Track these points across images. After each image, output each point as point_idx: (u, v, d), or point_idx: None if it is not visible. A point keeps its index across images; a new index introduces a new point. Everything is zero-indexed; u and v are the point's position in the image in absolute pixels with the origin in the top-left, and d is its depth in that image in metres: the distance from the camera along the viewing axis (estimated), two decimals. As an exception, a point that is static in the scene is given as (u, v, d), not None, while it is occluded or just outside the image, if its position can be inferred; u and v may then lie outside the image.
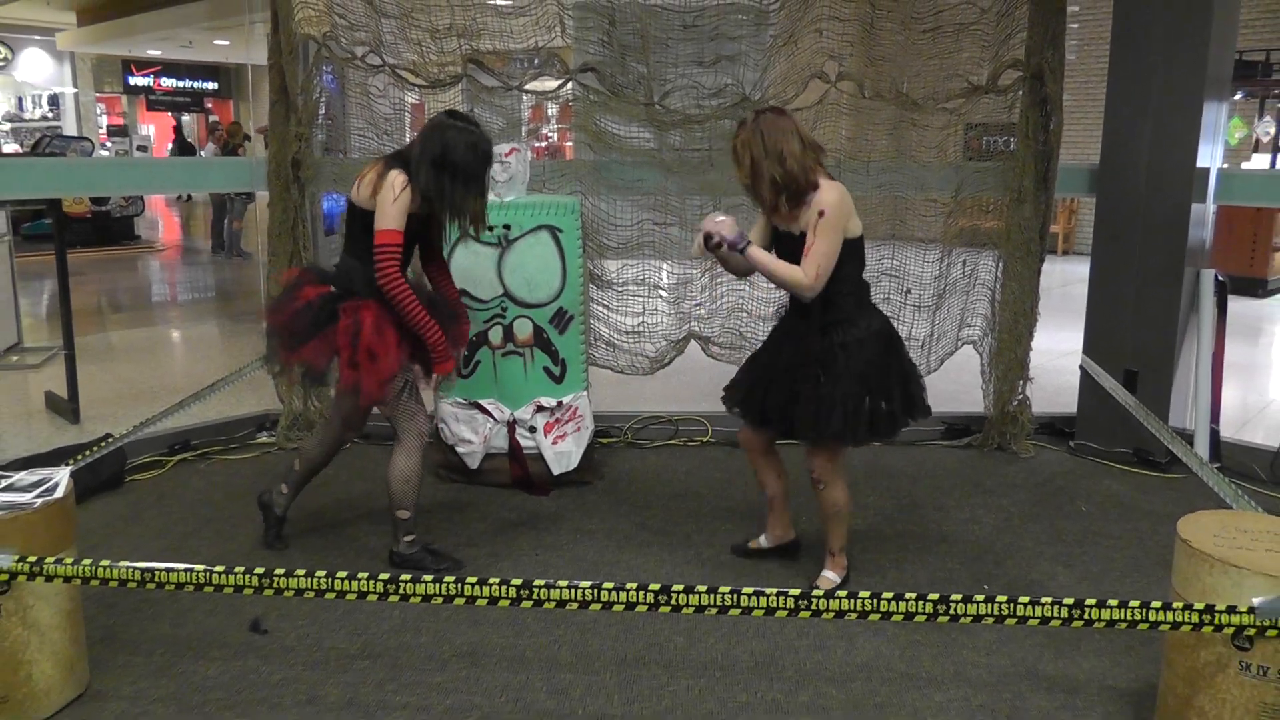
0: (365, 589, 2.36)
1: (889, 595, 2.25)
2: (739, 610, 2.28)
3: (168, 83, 26.85)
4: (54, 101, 23.68)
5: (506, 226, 4.21)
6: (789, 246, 3.18)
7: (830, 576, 3.41)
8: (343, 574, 2.38)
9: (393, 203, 3.17)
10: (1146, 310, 4.66)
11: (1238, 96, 11.36)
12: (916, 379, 3.31)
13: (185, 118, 27.77)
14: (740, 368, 3.51)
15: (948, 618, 2.25)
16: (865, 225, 3.25)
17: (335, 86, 4.81)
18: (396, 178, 3.19)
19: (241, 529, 3.87)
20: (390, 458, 3.43)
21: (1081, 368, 4.87)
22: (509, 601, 2.32)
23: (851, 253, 3.18)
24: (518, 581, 2.33)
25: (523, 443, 4.30)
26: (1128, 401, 4.32)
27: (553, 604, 2.31)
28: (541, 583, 2.32)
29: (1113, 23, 4.67)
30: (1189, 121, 4.46)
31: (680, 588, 2.29)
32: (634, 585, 2.29)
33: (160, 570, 2.42)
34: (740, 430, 3.54)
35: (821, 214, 3.05)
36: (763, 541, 3.65)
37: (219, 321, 8.84)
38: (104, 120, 25.43)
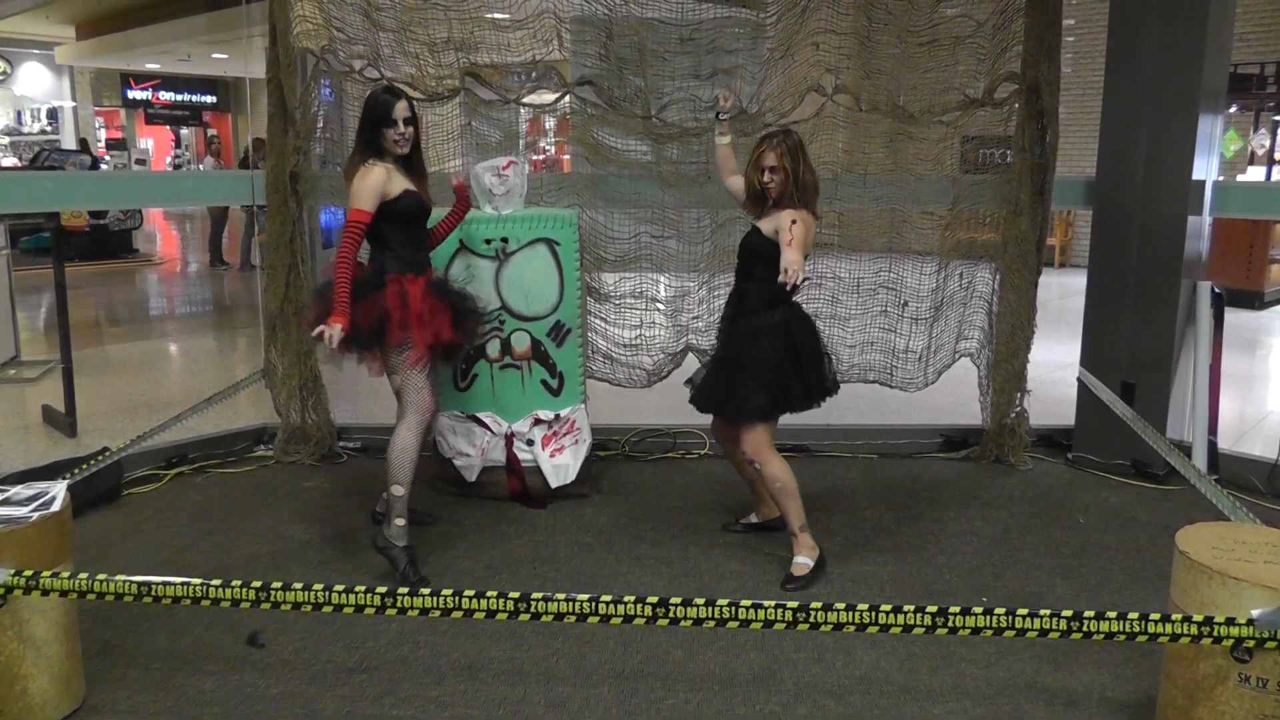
0: (363, 602, 2.36)
1: (887, 607, 2.25)
2: (737, 623, 2.28)
3: (166, 96, 26.91)
4: (53, 115, 23.73)
5: (504, 239, 4.22)
6: (757, 245, 3.52)
7: (803, 562, 3.57)
8: (340, 587, 2.37)
9: (361, 180, 3.40)
10: (1143, 322, 4.67)
11: (1233, 109, 11.41)
12: (827, 362, 3.66)
13: (184, 131, 27.86)
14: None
15: (946, 630, 2.25)
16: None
17: (333, 100, 4.82)
18: (368, 165, 3.44)
19: (239, 542, 3.87)
20: (393, 432, 3.53)
21: (1079, 380, 4.87)
22: (507, 615, 2.32)
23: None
24: (515, 594, 2.32)
25: (520, 455, 4.30)
26: (1125, 413, 4.32)
27: (550, 617, 2.31)
28: (539, 596, 2.31)
29: (1108, 36, 4.70)
30: (1184, 134, 4.47)
31: (678, 601, 2.28)
32: (632, 598, 2.29)
33: (157, 584, 2.42)
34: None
35: (794, 221, 3.37)
36: (753, 518, 3.99)
37: (216, 335, 8.85)
38: (102, 134, 25.47)
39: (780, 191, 3.47)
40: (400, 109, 3.44)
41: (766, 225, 3.52)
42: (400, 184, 3.49)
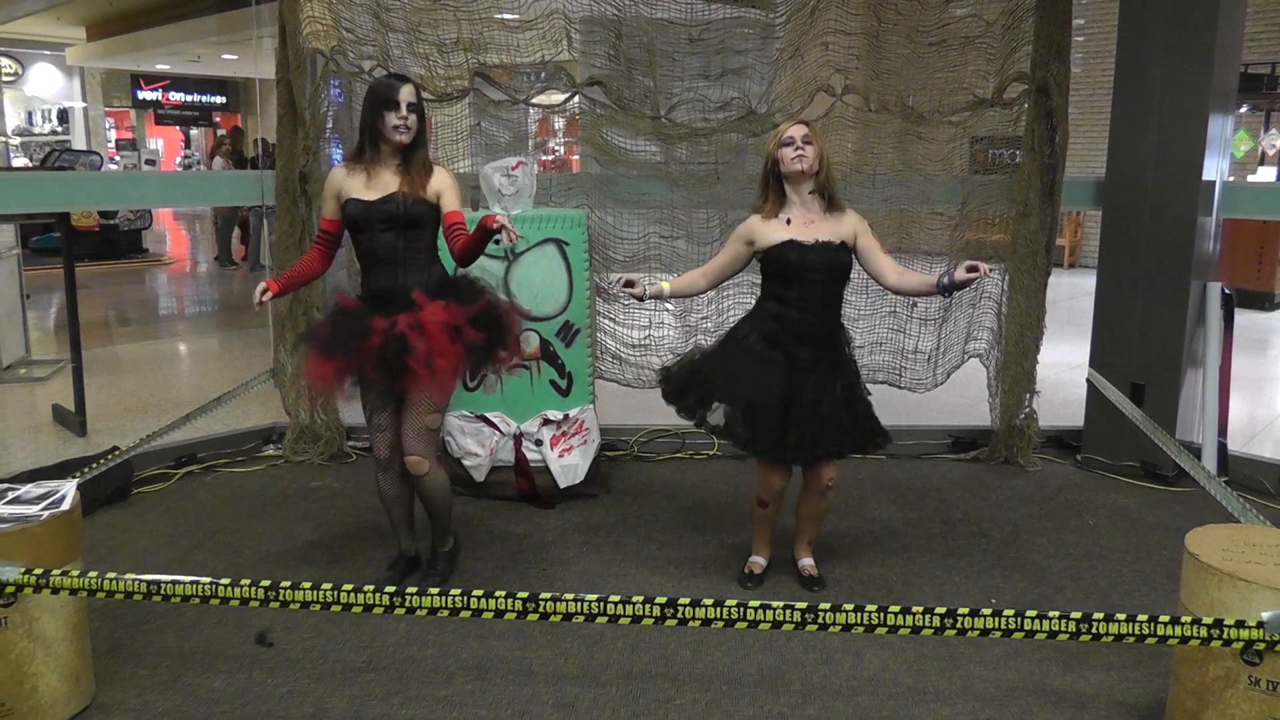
0: (371, 601, 2.36)
1: (896, 609, 2.24)
2: (745, 624, 2.27)
3: (176, 97, 26.99)
4: (63, 116, 23.82)
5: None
6: (847, 263, 3.35)
7: (813, 562, 3.61)
8: (349, 586, 2.38)
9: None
10: (1153, 323, 4.65)
11: (1243, 109, 11.36)
12: None
13: (194, 131, 27.94)
14: (745, 415, 3.29)
15: (955, 631, 2.24)
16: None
17: (342, 100, 4.82)
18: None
19: (248, 542, 3.88)
20: None
21: (1088, 381, 4.86)
22: (515, 614, 2.32)
23: None
24: (524, 594, 2.32)
25: (529, 456, 4.30)
26: (1134, 415, 4.31)
27: (559, 617, 2.31)
28: (548, 596, 2.31)
29: (1118, 36, 4.68)
30: (1194, 134, 4.46)
31: (686, 601, 2.28)
32: (640, 598, 2.29)
33: (166, 582, 2.42)
34: (772, 476, 3.42)
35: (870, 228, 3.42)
36: (761, 562, 3.62)
37: (225, 335, 8.87)
38: (113, 134, 25.57)
39: (815, 165, 3.25)
40: (406, 92, 3.21)
41: (844, 231, 3.32)
42: (359, 188, 3.25)
